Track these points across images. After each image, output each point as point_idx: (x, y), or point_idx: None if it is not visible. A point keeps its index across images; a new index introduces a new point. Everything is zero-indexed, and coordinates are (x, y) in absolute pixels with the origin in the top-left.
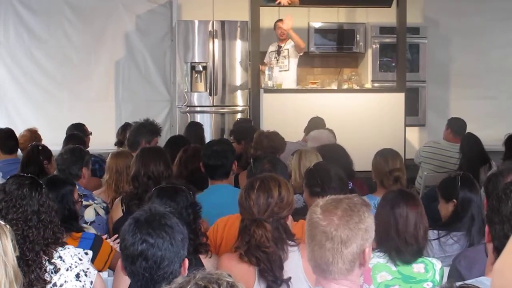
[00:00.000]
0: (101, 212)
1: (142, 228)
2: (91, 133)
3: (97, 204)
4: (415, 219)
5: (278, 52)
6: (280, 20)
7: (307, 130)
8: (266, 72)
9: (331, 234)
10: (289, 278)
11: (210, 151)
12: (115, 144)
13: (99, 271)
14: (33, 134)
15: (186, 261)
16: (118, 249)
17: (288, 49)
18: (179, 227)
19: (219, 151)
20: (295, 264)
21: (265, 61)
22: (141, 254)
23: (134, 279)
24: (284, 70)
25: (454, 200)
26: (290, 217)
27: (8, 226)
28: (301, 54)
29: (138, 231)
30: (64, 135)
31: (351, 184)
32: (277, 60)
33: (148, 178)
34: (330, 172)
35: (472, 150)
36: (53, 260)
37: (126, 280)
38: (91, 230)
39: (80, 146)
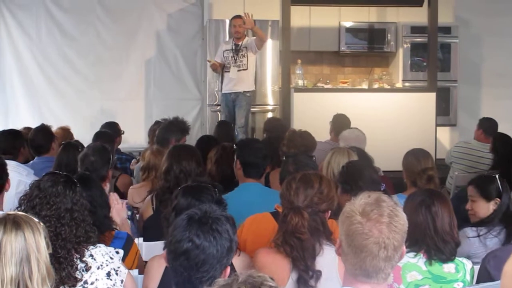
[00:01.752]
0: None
1: (192, 227)
2: (123, 132)
3: None
4: (449, 217)
5: (236, 51)
6: (239, 17)
7: (333, 128)
8: (297, 72)
9: (383, 244)
10: (320, 271)
11: (249, 149)
12: (149, 143)
13: (129, 269)
14: (65, 132)
15: (228, 269)
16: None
17: (246, 47)
18: (228, 235)
19: (258, 150)
20: (330, 261)
21: (217, 61)
22: (184, 252)
23: (174, 273)
24: (243, 69)
25: (497, 199)
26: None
27: (41, 223)
28: (259, 50)
29: (188, 229)
30: None
31: (384, 186)
32: (235, 60)
33: (180, 172)
34: (364, 172)
35: (505, 149)
36: (84, 258)
37: (155, 279)
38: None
39: (106, 147)
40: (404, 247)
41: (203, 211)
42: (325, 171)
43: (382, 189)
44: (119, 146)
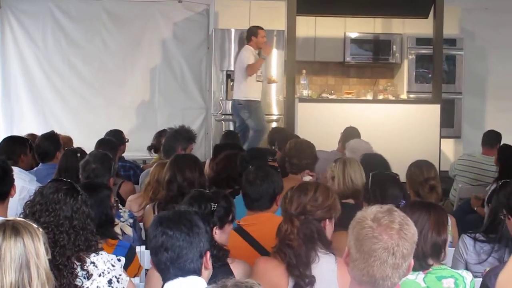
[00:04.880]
0: (128, 230)
1: (163, 222)
2: (127, 140)
3: (123, 221)
4: (422, 226)
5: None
6: (262, 29)
7: (343, 140)
8: (301, 82)
9: (392, 250)
10: (314, 277)
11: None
12: (148, 149)
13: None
14: (66, 140)
15: (208, 253)
16: None
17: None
18: (198, 222)
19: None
20: (328, 270)
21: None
22: (162, 245)
23: (160, 270)
24: (260, 81)
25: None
26: (330, 225)
27: (41, 229)
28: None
29: (159, 225)
30: None
31: (403, 202)
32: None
33: (183, 182)
34: (387, 190)
35: (509, 161)
36: (85, 266)
37: (157, 285)
38: (128, 229)
39: (108, 154)
40: (412, 261)
41: (171, 210)
42: (341, 180)
43: (401, 205)
44: (123, 154)
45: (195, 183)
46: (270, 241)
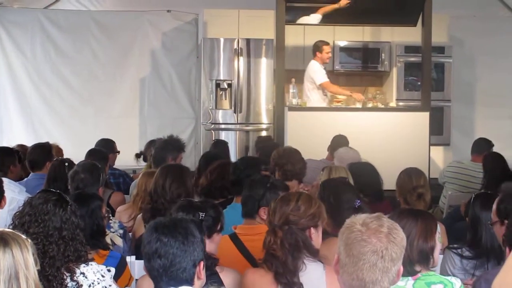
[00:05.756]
0: (118, 241)
1: (158, 229)
2: (118, 152)
3: (113, 232)
4: (409, 233)
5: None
6: (327, 44)
7: (331, 148)
8: (291, 90)
9: (381, 253)
10: (301, 284)
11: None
12: (136, 156)
13: None
14: (57, 150)
15: (202, 264)
16: None
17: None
18: (193, 231)
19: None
20: (316, 278)
21: (324, 80)
22: (156, 251)
23: (152, 277)
24: (325, 95)
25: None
26: (316, 233)
27: (29, 240)
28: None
29: (155, 231)
30: None
31: (359, 202)
32: None
33: (172, 191)
34: (341, 195)
35: (496, 168)
36: (75, 277)
37: None
38: (118, 240)
39: (97, 164)
40: (401, 267)
41: (168, 217)
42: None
43: (357, 205)
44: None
45: (183, 192)
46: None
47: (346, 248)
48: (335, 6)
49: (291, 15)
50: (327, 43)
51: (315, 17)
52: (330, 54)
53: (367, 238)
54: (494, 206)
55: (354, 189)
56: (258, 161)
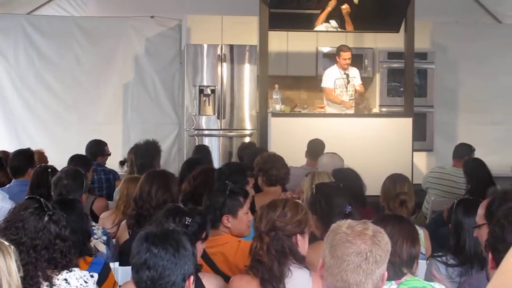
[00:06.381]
0: (102, 247)
1: (149, 239)
2: (109, 154)
3: (97, 238)
4: (397, 236)
5: (347, 81)
6: (348, 49)
7: (308, 153)
8: (274, 96)
9: (365, 255)
10: None
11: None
12: (120, 163)
13: None
14: (40, 155)
15: (192, 278)
16: None
17: (354, 77)
18: (185, 244)
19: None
20: (303, 286)
21: (330, 86)
22: (144, 262)
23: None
24: (352, 99)
25: None
26: (302, 239)
27: (12, 247)
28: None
29: (145, 241)
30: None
31: (349, 208)
32: (347, 88)
33: (157, 197)
34: (333, 200)
35: (479, 173)
36: (58, 283)
37: None
38: (101, 246)
39: (80, 170)
40: (386, 272)
41: (159, 227)
42: (310, 194)
43: (347, 211)
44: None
45: (168, 198)
46: (226, 264)
47: (331, 250)
48: (329, 9)
49: (275, 21)
50: (345, 48)
51: (325, 25)
52: (347, 60)
53: (352, 239)
54: (482, 210)
55: (347, 194)
56: (244, 166)
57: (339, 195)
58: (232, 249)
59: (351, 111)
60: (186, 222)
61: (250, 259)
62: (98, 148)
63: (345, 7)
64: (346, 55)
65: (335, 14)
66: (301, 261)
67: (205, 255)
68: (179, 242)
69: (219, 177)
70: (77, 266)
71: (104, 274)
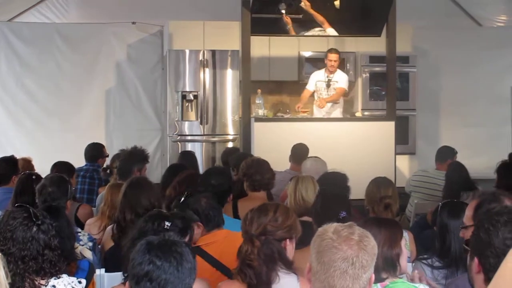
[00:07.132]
0: (88, 253)
1: (152, 250)
2: (107, 155)
3: (82, 245)
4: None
5: (328, 84)
6: (335, 52)
7: (292, 157)
8: (257, 101)
9: (352, 260)
10: None
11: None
12: (103, 170)
13: None
14: (26, 163)
15: None
16: None
17: (337, 81)
18: (188, 256)
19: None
20: None
21: (310, 88)
22: (146, 274)
23: None
24: (335, 103)
25: None
26: (290, 245)
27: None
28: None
29: (148, 252)
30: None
31: (343, 213)
32: (327, 92)
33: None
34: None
35: (455, 177)
36: None
37: None
38: (87, 253)
39: (64, 177)
40: (373, 275)
41: (161, 237)
42: (293, 198)
43: (341, 216)
44: None
45: (151, 205)
46: (229, 258)
47: (317, 256)
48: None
49: (257, 26)
50: (332, 51)
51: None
52: (332, 62)
53: (338, 245)
54: (471, 211)
55: (347, 200)
56: (227, 171)
57: (336, 201)
58: (221, 238)
59: (322, 112)
60: (165, 226)
61: (238, 263)
62: (97, 151)
63: (303, 4)
64: (332, 57)
65: (313, 19)
66: (289, 266)
67: (204, 254)
68: (183, 255)
69: (204, 182)
70: (65, 272)
71: (90, 277)
